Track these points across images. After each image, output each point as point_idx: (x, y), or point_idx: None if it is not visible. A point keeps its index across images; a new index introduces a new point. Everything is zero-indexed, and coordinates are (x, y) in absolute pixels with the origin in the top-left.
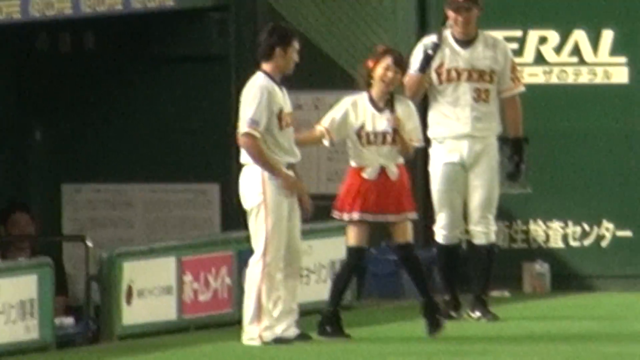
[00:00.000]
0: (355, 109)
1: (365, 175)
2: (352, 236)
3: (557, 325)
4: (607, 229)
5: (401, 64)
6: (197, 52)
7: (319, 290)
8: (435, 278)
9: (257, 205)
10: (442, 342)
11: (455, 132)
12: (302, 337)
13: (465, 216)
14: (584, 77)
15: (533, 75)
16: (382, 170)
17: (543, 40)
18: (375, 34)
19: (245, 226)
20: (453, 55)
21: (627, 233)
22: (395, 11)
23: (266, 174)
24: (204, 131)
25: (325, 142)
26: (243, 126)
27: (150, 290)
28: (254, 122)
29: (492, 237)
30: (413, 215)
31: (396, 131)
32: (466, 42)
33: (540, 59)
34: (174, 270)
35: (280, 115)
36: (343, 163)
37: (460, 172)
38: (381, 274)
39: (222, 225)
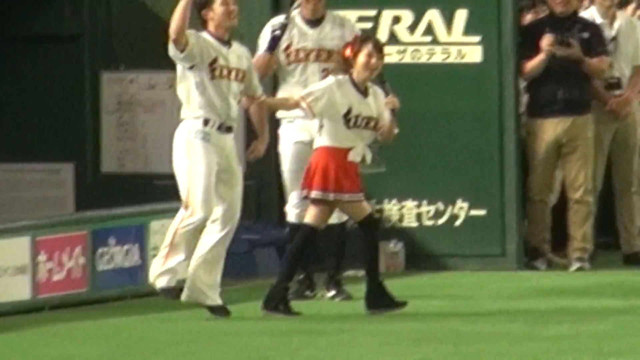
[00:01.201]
0: (341, 89)
1: (350, 157)
2: (316, 216)
3: (411, 303)
4: (461, 208)
5: (381, 50)
6: (51, 32)
7: None
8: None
9: (180, 160)
10: (297, 321)
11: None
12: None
13: None
14: (438, 56)
15: (387, 55)
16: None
17: (397, 19)
18: None
19: (99, 205)
20: (301, 36)
21: (481, 212)
22: None
23: (192, 131)
24: (58, 111)
25: (308, 119)
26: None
27: (5, 269)
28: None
29: (344, 216)
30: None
31: (393, 113)
32: (314, 21)
33: (394, 39)
34: (28, 249)
35: (212, 65)
36: None
37: (310, 151)
38: (236, 253)
39: (76, 204)
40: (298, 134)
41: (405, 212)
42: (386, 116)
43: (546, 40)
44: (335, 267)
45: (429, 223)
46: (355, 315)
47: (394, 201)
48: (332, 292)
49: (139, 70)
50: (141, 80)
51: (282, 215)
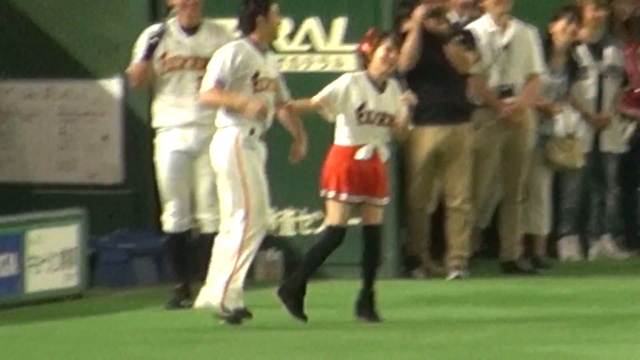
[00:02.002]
0: (357, 86)
1: (358, 156)
2: (337, 216)
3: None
4: None
5: (399, 45)
6: None
7: (52, 279)
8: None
9: (231, 172)
10: (173, 332)
11: (181, 121)
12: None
13: (194, 204)
14: (316, 65)
15: None
16: (374, 151)
17: None
18: (106, 23)
19: None
20: (177, 44)
21: (358, 221)
22: (126, 1)
23: (240, 140)
24: None
25: (328, 118)
26: (208, 82)
27: None
28: (219, 83)
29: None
30: (386, 201)
31: (409, 109)
32: (190, 30)
33: (271, 48)
34: None
35: (255, 79)
36: (75, 152)
37: (187, 160)
38: (113, 262)
39: None
40: (175, 143)
41: (284, 221)
42: (403, 112)
43: (419, 11)
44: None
45: (307, 232)
46: (232, 325)
47: (272, 210)
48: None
49: (16, 80)
50: (18, 89)
51: (160, 224)
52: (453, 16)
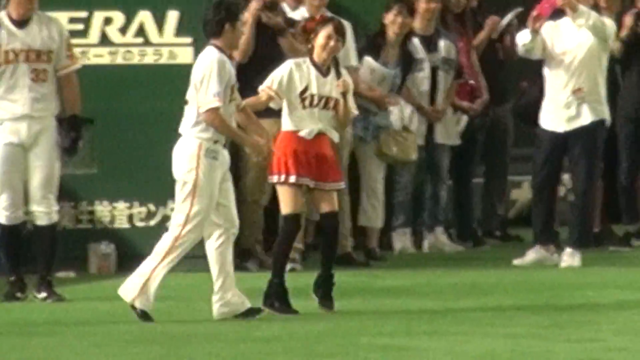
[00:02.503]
0: (300, 70)
1: (301, 133)
2: (288, 202)
3: (122, 305)
4: (172, 210)
5: (342, 32)
6: None
7: None
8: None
9: (186, 182)
10: (8, 324)
11: (14, 114)
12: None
13: (27, 197)
14: (150, 57)
15: (99, 56)
16: (320, 135)
17: (108, 21)
18: None
19: None
20: (10, 36)
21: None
22: None
23: (202, 150)
24: None
25: (273, 105)
26: (208, 101)
27: None
28: (218, 95)
29: (55, 218)
30: (342, 184)
31: (343, 96)
32: (22, 22)
33: (105, 40)
34: None
35: (232, 88)
36: None
37: (20, 153)
38: None
39: None
40: (7, 136)
41: (117, 213)
42: (348, 97)
43: (255, 4)
44: (46, 268)
45: (141, 224)
46: (67, 317)
47: (105, 202)
48: (43, 295)
49: None
50: None
51: None
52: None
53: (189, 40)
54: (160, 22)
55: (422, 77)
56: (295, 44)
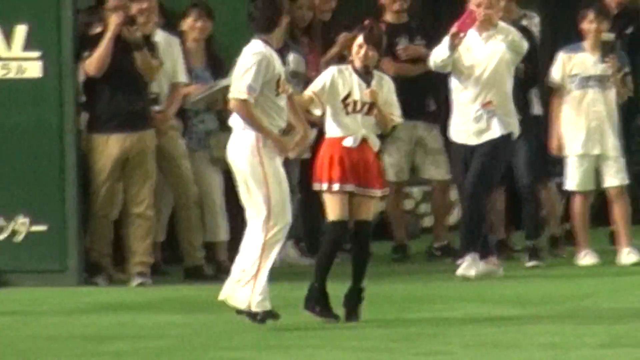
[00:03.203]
0: (342, 77)
1: (346, 142)
2: (334, 209)
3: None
4: (23, 224)
5: (373, 40)
6: None
7: None
8: None
9: (254, 172)
10: None
11: None
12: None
13: None
14: None
15: None
16: (363, 141)
17: None
18: None
19: None
20: None
21: (42, 228)
22: None
23: (260, 138)
24: None
25: (316, 111)
26: (238, 91)
27: None
28: (251, 89)
29: None
30: (383, 191)
31: (373, 105)
32: None
33: None
34: None
35: (278, 82)
36: None
37: None
38: None
39: None
40: None
41: None
42: (389, 103)
43: (115, 19)
44: None
45: None
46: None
47: None
48: None
49: None
50: None
51: None
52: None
53: (37, 54)
54: (8, 37)
55: None
56: (150, 60)
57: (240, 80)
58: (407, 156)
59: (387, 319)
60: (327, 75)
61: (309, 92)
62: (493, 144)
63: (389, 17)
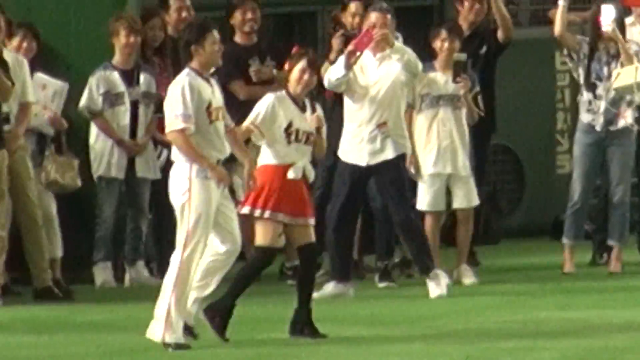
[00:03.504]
0: (282, 105)
1: (290, 175)
2: (263, 235)
3: None
4: None
5: (315, 66)
6: None
7: None
8: None
9: (182, 204)
10: None
11: None
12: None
13: None
14: None
15: None
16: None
17: None
18: None
19: None
20: None
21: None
22: None
23: (193, 171)
24: None
25: (259, 142)
26: (174, 123)
27: None
28: (186, 117)
29: None
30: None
31: (318, 131)
32: None
33: None
34: None
35: (209, 109)
36: None
37: None
38: None
39: None
40: None
41: None
42: (322, 130)
43: None
44: None
45: None
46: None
47: None
48: None
49: None
50: None
51: None
52: None
53: None
54: None
55: (122, 111)
56: (4, 80)
57: (173, 111)
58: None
59: (239, 340)
60: (265, 105)
61: (248, 123)
62: (392, 165)
63: (239, 38)
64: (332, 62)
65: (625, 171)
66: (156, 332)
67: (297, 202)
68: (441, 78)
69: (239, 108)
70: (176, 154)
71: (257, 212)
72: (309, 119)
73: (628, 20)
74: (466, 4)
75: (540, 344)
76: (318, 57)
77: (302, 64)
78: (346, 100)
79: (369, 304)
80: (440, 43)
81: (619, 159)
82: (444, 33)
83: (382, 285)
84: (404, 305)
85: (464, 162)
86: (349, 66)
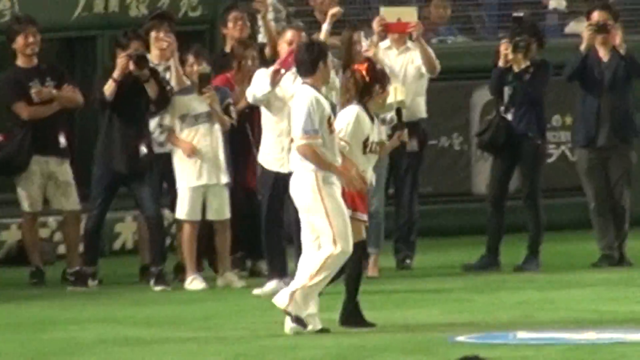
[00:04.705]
0: (363, 118)
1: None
2: (357, 233)
3: None
4: None
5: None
6: None
7: None
8: None
9: (315, 207)
10: None
11: None
12: None
13: None
14: None
15: None
16: None
17: None
18: None
19: None
20: None
21: None
22: None
23: (319, 177)
24: None
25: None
26: (303, 136)
27: None
28: (315, 132)
29: None
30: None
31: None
32: None
33: None
34: None
35: (329, 121)
36: None
37: None
38: None
39: None
40: None
41: None
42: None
43: None
44: None
45: None
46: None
47: None
48: None
49: None
50: None
51: None
52: None
53: None
54: None
55: None
56: None
57: (301, 125)
58: (40, 188)
59: (22, 339)
60: (354, 119)
61: (341, 137)
62: None
63: (20, 61)
64: (115, 81)
65: (380, 182)
66: (281, 299)
67: (361, 200)
68: (196, 99)
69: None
70: (297, 164)
71: (359, 215)
72: (397, 135)
73: (383, 44)
74: (230, 24)
75: (304, 342)
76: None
77: (384, 84)
78: (265, 113)
79: (145, 307)
80: (189, 68)
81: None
82: (190, 58)
83: (158, 288)
84: (178, 308)
85: (221, 176)
86: (273, 83)
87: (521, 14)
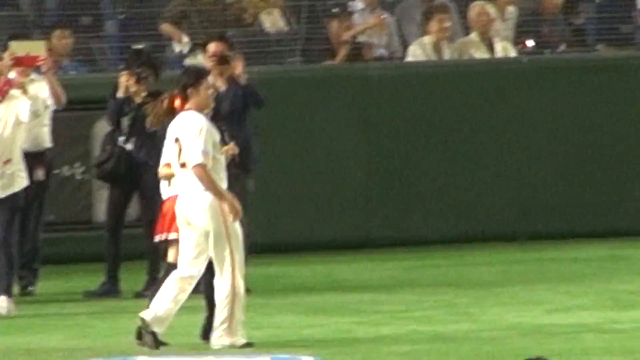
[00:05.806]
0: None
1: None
2: (175, 254)
3: None
4: None
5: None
6: None
7: None
8: None
9: (219, 231)
10: None
11: None
12: None
13: None
14: None
15: None
16: None
17: None
18: None
19: None
20: None
21: None
22: None
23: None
24: None
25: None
26: (196, 158)
27: None
28: (205, 153)
29: None
30: None
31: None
32: None
33: None
34: None
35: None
36: None
37: None
38: None
39: None
40: None
41: None
42: None
43: None
44: None
45: None
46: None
47: None
48: None
49: None
50: None
51: None
52: None
53: None
54: None
55: None
56: None
57: (193, 148)
58: None
59: None
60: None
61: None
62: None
63: None
64: None
65: None
66: (220, 342)
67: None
68: None
69: None
70: (192, 188)
71: (172, 236)
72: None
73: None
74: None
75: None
76: None
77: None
78: None
79: None
80: None
81: None
82: None
83: None
84: None
85: None
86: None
87: (141, 47)
